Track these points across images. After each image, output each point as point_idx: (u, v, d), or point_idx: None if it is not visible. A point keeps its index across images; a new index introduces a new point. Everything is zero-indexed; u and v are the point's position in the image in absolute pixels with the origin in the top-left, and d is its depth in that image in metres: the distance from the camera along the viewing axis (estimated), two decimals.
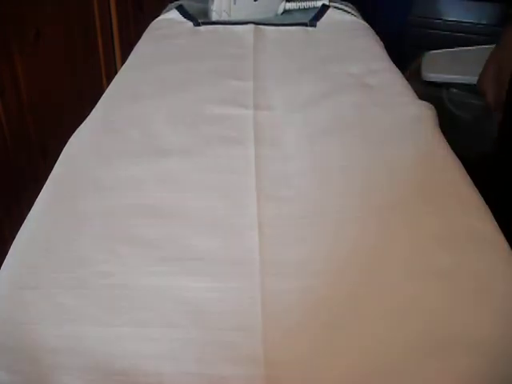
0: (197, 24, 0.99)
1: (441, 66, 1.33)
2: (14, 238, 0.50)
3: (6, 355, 0.39)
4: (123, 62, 0.87)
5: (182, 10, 1.04)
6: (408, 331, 0.41)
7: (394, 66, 0.83)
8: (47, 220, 0.52)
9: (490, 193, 0.55)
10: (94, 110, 0.71)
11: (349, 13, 1.03)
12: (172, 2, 1.11)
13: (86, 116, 0.69)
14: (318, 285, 0.44)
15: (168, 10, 1.06)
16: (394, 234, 0.49)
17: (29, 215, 0.53)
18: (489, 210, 0.52)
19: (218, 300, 0.43)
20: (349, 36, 0.95)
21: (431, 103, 0.70)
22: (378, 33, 0.98)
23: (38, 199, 0.55)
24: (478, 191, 0.54)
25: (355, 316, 0.42)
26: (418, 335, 0.40)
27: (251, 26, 0.97)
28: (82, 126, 0.67)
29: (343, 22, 1.00)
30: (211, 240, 0.49)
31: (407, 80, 0.79)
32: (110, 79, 0.82)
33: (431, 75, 1.31)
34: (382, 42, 0.94)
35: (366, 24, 1.01)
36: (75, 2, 1.25)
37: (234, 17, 1.03)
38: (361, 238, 0.49)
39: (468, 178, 0.56)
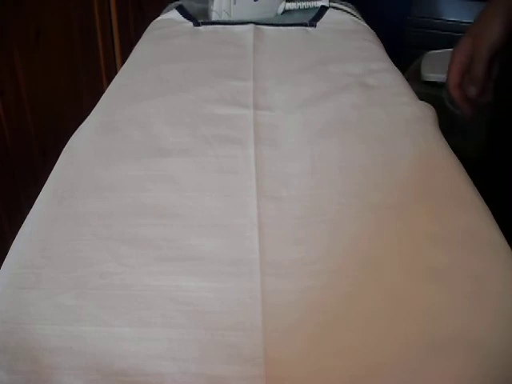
0: (197, 24, 0.99)
1: (441, 66, 1.33)
2: (14, 237, 0.50)
3: (5, 355, 0.39)
4: (123, 62, 0.87)
5: (181, 10, 1.04)
6: (407, 331, 0.41)
7: (393, 66, 0.83)
8: (47, 220, 0.52)
9: (490, 193, 0.55)
10: (93, 110, 0.71)
11: (349, 13, 1.03)
12: (172, 2, 1.11)
13: (86, 116, 0.69)
14: (318, 285, 0.44)
15: (168, 10, 1.06)
16: (394, 234, 0.49)
17: (29, 215, 0.53)
18: (488, 210, 0.52)
19: (218, 300, 0.43)
20: (349, 36, 0.95)
21: (431, 103, 0.70)
22: (377, 33, 0.98)
23: (37, 199, 0.55)
24: (477, 191, 0.54)
25: (355, 316, 0.42)
26: (417, 335, 0.40)
27: (251, 26, 0.97)
28: (81, 125, 0.67)
29: (343, 22, 1.00)
30: (211, 240, 0.49)
31: (407, 80, 0.79)
32: (110, 79, 0.82)
33: (431, 75, 1.31)
34: (381, 43, 0.94)
35: (366, 24, 1.01)
36: (75, 1, 1.25)
37: (234, 17, 1.03)
38: (361, 238, 0.49)
39: (468, 178, 0.56)
